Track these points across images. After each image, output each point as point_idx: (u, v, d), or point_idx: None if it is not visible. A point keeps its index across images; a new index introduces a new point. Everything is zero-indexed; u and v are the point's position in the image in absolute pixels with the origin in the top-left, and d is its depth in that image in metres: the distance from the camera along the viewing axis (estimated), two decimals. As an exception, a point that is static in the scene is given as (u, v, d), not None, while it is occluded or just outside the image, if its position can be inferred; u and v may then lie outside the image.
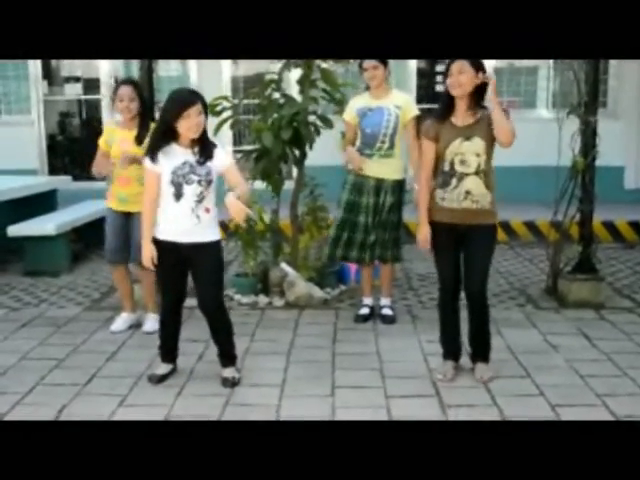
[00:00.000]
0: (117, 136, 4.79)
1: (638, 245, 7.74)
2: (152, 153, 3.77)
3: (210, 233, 3.87)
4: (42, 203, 7.40)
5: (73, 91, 10.40)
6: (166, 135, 3.75)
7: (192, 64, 9.73)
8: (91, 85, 10.24)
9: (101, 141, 4.89)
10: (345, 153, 5.03)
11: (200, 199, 3.79)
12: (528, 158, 8.58)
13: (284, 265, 5.64)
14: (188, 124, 3.67)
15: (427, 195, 3.95)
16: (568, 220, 5.65)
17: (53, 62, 10.47)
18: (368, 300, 5.24)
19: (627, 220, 7.99)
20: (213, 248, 3.88)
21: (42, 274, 6.44)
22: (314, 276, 5.67)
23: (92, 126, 10.36)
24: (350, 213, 5.04)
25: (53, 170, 10.10)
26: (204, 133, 3.80)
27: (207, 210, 3.83)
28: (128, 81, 4.93)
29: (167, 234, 3.85)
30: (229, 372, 4.03)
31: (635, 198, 9.02)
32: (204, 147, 3.79)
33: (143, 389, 3.95)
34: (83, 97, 10.41)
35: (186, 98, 3.71)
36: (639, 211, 8.29)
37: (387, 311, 5.16)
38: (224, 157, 3.86)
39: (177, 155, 3.77)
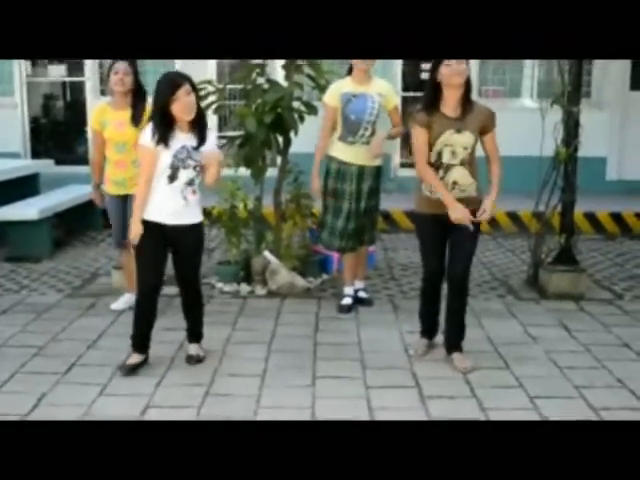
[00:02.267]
0: (110, 117, 4.81)
1: (619, 237, 7.79)
2: (160, 133, 3.80)
3: (195, 215, 4.01)
4: (24, 187, 7.35)
5: (57, 72, 10.28)
6: (165, 119, 3.80)
7: (177, 48, 9.63)
8: (75, 67, 10.11)
9: (93, 122, 4.91)
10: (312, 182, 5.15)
11: (190, 182, 3.92)
12: (512, 148, 8.48)
13: (267, 253, 5.63)
14: (179, 105, 3.76)
15: (436, 176, 3.96)
16: (550, 211, 5.67)
17: (36, 43, 10.34)
18: (350, 290, 5.25)
19: (608, 212, 8.03)
20: (196, 230, 4.04)
21: (24, 260, 6.40)
22: (297, 265, 5.67)
23: (76, 109, 10.26)
24: (335, 201, 5.07)
25: (36, 153, 9.99)
26: (201, 116, 3.90)
27: (194, 192, 3.96)
28: None
29: (154, 215, 3.93)
30: (194, 349, 4.16)
31: (617, 189, 9.06)
32: (201, 132, 3.89)
33: (123, 378, 3.94)
34: (67, 79, 10.30)
35: (172, 80, 3.80)
36: (620, 203, 8.34)
37: (362, 294, 5.29)
38: (214, 145, 3.98)
39: (177, 139, 3.85)
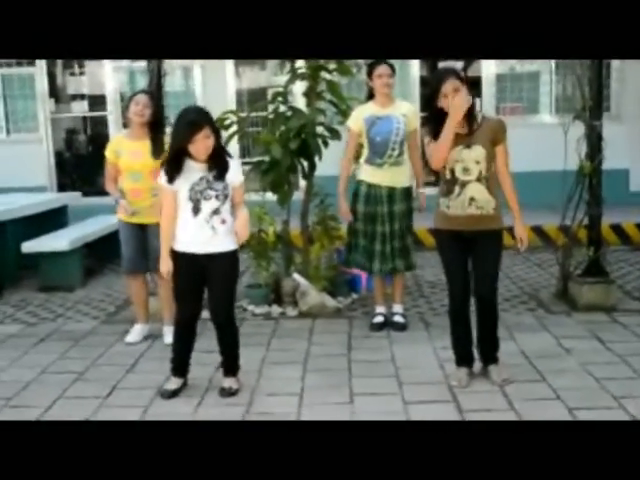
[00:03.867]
0: (126, 147, 4.84)
1: (646, 247, 7.77)
2: (169, 174, 3.84)
3: (226, 243, 3.92)
4: (54, 219, 7.49)
5: (79, 108, 10.53)
6: (181, 155, 3.81)
7: (197, 79, 9.82)
8: (97, 102, 10.37)
9: (108, 152, 4.89)
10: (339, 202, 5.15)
11: (216, 212, 3.87)
12: (532, 163, 8.65)
13: (296, 275, 5.69)
14: (196, 148, 3.75)
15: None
16: (576, 224, 5.70)
17: (59, 80, 10.59)
18: (381, 308, 5.28)
19: (634, 222, 8.05)
20: (229, 257, 3.94)
21: (57, 289, 6.51)
22: (326, 285, 5.72)
23: (98, 142, 10.46)
24: (367, 224, 5.09)
25: (61, 186, 10.20)
26: (219, 147, 3.87)
27: (223, 221, 3.89)
28: (145, 91, 5.11)
29: (184, 245, 3.92)
30: (228, 382, 4.09)
31: (641, 200, 9.07)
32: (220, 162, 3.85)
33: (164, 400, 3.99)
34: (89, 114, 10.52)
35: (192, 122, 3.73)
36: (646, 213, 8.33)
37: (399, 318, 5.21)
38: (237, 173, 3.92)
39: (194, 171, 3.83)
